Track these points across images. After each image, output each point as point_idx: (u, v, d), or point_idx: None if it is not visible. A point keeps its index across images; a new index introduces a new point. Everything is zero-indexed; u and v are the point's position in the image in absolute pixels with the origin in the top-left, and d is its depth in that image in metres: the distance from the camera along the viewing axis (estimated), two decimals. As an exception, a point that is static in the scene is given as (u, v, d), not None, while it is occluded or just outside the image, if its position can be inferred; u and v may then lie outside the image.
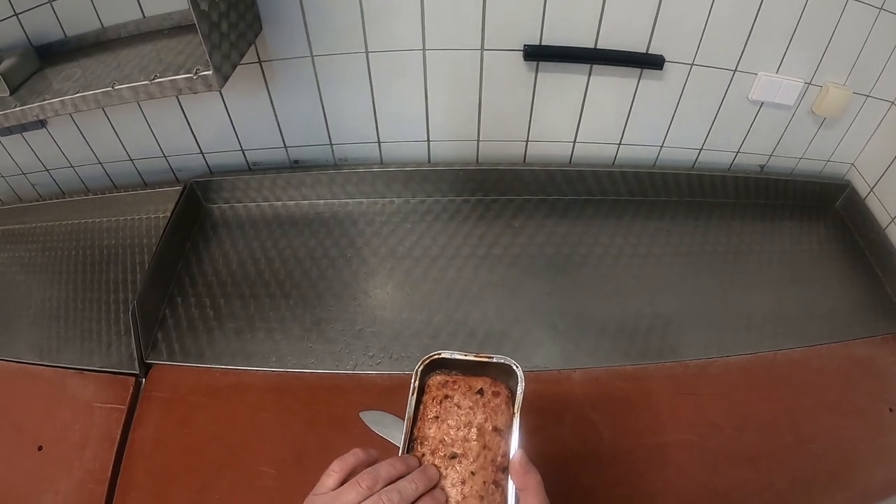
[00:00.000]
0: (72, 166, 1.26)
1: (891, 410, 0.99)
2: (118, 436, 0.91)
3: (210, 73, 0.87)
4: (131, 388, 0.97)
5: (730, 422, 0.94)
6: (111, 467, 0.88)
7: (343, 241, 1.18)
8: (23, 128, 1.18)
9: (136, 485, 0.86)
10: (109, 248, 1.23)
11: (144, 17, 1.01)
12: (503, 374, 0.63)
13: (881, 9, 1.03)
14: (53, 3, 0.99)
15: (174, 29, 1.02)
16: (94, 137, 1.20)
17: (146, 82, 0.89)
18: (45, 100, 0.94)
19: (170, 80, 0.89)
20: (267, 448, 0.89)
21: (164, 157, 1.23)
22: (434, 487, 0.56)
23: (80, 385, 0.99)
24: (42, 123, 1.18)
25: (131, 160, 1.24)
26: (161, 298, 1.09)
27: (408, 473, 0.56)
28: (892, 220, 1.19)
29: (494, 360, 0.63)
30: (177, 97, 1.11)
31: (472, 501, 0.55)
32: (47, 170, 1.27)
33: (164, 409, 0.94)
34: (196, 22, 0.80)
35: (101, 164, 1.25)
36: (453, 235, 1.20)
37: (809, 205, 1.34)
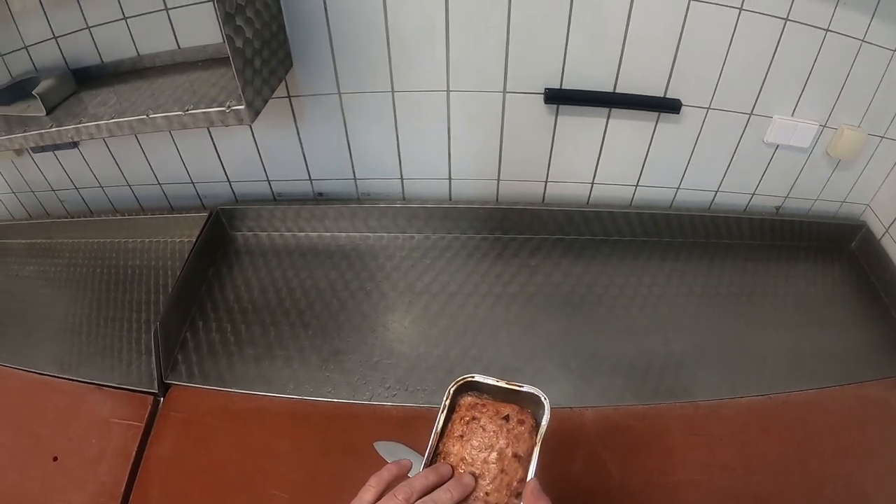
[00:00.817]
0: (101, 186, 1.30)
1: (904, 454, 0.99)
2: (134, 452, 0.93)
3: (242, 107, 0.89)
4: (149, 406, 0.99)
5: (741, 463, 0.94)
6: (125, 483, 0.90)
7: (363, 275, 1.21)
8: (56, 146, 1.22)
9: (150, 501, 0.88)
10: (134, 269, 1.26)
11: (180, 48, 1.04)
12: (531, 404, 0.65)
13: (895, 51, 1.04)
14: (92, 29, 1.03)
15: (208, 61, 1.05)
16: (125, 160, 1.24)
17: (180, 113, 0.92)
18: (80, 122, 0.97)
19: (202, 113, 0.91)
20: (281, 472, 0.91)
21: (192, 183, 1.27)
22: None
23: (99, 400, 1.01)
24: (75, 144, 1.22)
25: (159, 184, 1.28)
26: (183, 321, 1.12)
27: (441, 483, 0.58)
28: (908, 261, 1.20)
29: (525, 390, 0.65)
30: (207, 128, 1.15)
31: None
32: (76, 188, 1.31)
33: (181, 429, 0.96)
34: (231, 58, 0.83)
35: (129, 186, 1.29)
36: (472, 272, 1.22)
37: (825, 246, 1.35)
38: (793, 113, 1.13)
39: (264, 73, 0.94)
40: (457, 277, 1.20)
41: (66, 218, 1.36)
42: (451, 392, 0.66)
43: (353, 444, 0.93)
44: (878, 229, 1.29)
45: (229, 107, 0.90)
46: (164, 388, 1.02)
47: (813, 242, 1.34)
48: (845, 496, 0.93)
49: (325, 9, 0.98)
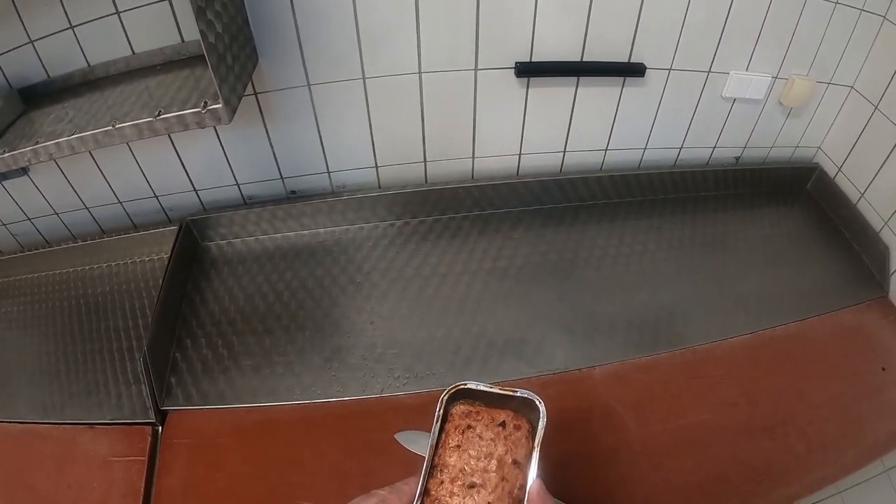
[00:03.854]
0: (56, 213, 1.21)
1: (883, 370, 1.07)
2: (142, 489, 0.87)
3: (220, 106, 0.85)
4: (149, 437, 0.93)
5: (743, 398, 1.00)
6: None
7: (350, 268, 1.19)
8: (3, 176, 1.12)
9: None
10: (104, 296, 1.18)
11: (134, 53, 0.99)
12: (525, 408, 0.64)
13: (837, 3, 1.12)
14: (35, 43, 0.95)
15: (166, 64, 1.00)
16: (80, 182, 1.16)
17: (150, 119, 0.87)
18: (37, 143, 0.90)
19: (176, 116, 0.86)
20: (306, 482, 0.88)
21: (156, 196, 1.20)
22: None
23: (93, 440, 0.94)
24: (24, 171, 1.13)
25: (120, 202, 1.21)
26: (169, 342, 1.06)
27: None
28: (862, 195, 1.28)
29: (518, 395, 0.63)
30: (168, 135, 1.10)
31: None
32: (29, 218, 1.22)
33: (190, 456, 0.91)
34: (206, 54, 0.80)
35: (87, 209, 1.21)
36: (458, 252, 1.22)
37: (783, 190, 1.43)
38: (747, 67, 1.19)
39: (236, 69, 0.90)
40: (445, 258, 1.20)
41: (22, 252, 1.26)
42: (444, 401, 0.64)
43: (374, 440, 0.91)
44: (831, 169, 1.38)
45: (205, 106, 0.86)
46: (162, 415, 0.96)
47: (772, 187, 1.42)
48: (841, 415, 1.00)
49: (291, -1, 0.96)
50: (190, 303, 1.13)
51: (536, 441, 0.61)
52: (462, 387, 0.64)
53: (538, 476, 0.59)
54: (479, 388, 0.64)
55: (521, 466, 0.60)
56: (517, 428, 0.62)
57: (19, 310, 1.20)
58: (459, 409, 0.64)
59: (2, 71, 0.98)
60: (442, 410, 0.63)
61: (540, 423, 0.61)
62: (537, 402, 0.62)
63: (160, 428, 0.95)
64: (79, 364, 1.07)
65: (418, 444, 0.89)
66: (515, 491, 0.58)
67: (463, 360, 1.03)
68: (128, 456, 0.91)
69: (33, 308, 1.20)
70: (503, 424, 0.62)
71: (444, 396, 0.63)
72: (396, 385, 0.99)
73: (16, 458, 0.94)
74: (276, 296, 1.14)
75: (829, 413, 1.00)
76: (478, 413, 0.63)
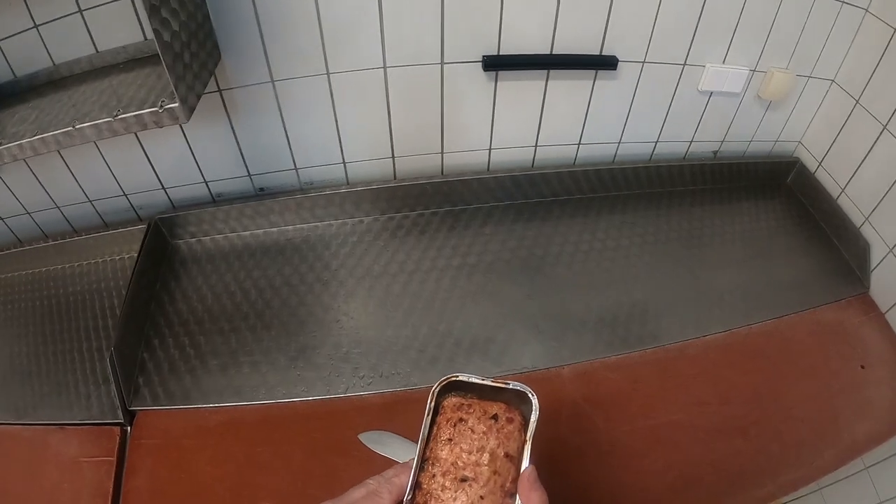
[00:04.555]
0: (27, 213, 1.20)
1: (862, 367, 1.05)
2: (111, 489, 0.86)
3: (176, 105, 0.84)
4: (118, 438, 0.92)
5: (715, 397, 0.99)
6: None
7: (318, 265, 1.17)
8: (-29, 177, 1.12)
9: None
10: (75, 295, 1.17)
11: (98, 51, 0.97)
12: (518, 400, 0.63)
13: (817, -6, 1.10)
14: (0, 43, 0.94)
15: (129, 62, 0.98)
16: (50, 181, 1.15)
17: (109, 119, 0.86)
18: (0, 144, 0.89)
19: (134, 116, 0.85)
20: (269, 482, 0.87)
21: (125, 195, 1.19)
22: None
23: (63, 441, 0.93)
24: (-8, 171, 1.13)
25: (90, 201, 1.20)
26: (137, 342, 1.05)
27: None
28: (843, 191, 1.26)
29: (511, 387, 0.63)
30: (135, 133, 1.09)
31: None
32: (2, 218, 1.21)
33: (156, 456, 0.91)
34: (160, 53, 0.78)
35: (58, 207, 1.20)
36: (427, 248, 1.20)
37: (763, 184, 1.41)
38: (724, 60, 1.17)
39: (194, 68, 0.89)
40: (413, 255, 1.19)
41: None
42: (436, 393, 0.63)
43: (337, 440, 0.91)
44: (811, 164, 1.36)
45: (162, 106, 0.85)
46: (130, 415, 0.95)
47: (751, 182, 1.41)
48: (816, 414, 0.98)
49: (251, -7, 0.94)
50: (158, 302, 1.12)
51: (529, 434, 0.61)
52: (453, 379, 0.63)
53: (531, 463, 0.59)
54: (470, 380, 0.63)
55: (513, 460, 0.59)
56: (510, 421, 0.61)
57: (-9, 311, 1.19)
58: (451, 401, 0.63)
59: (-33, 71, 0.97)
60: (433, 403, 0.62)
61: (533, 416, 0.61)
62: (530, 395, 0.62)
63: (129, 428, 0.94)
64: (50, 364, 1.06)
65: (381, 443, 0.89)
66: (507, 484, 0.58)
67: (429, 360, 1.01)
68: (97, 456, 0.91)
69: (4, 308, 1.19)
70: (495, 417, 0.61)
71: (436, 389, 0.63)
72: (361, 385, 0.98)
73: (-13, 461, 0.94)
74: (244, 294, 1.13)
75: (804, 413, 0.98)
76: (470, 406, 0.62)
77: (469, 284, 1.14)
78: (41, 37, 0.95)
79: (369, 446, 0.88)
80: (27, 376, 1.05)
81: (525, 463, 0.59)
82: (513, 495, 0.58)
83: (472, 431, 0.60)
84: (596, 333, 1.06)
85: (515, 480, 0.58)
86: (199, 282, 1.16)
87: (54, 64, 0.99)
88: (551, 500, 0.56)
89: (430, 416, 0.62)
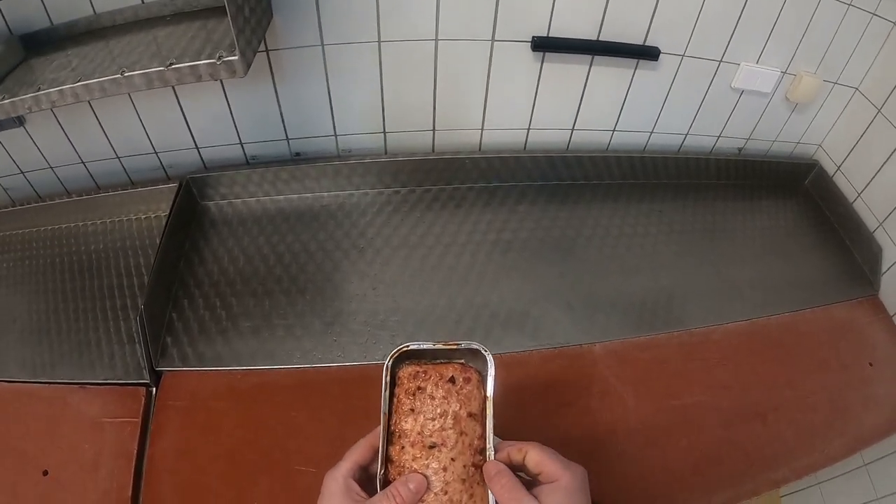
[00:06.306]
0: (51, 167, 1.17)
1: (871, 365, 1.10)
2: (135, 451, 0.85)
3: (236, 58, 0.83)
4: (143, 398, 0.90)
5: (737, 382, 1.02)
6: (131, 485, 0.82)
7: (353, 233, 1.17)
8: (-1, 126, 1.08)
9: (163, 500, 0.82)
10: (98, 253, 1.14)
11: (143, 2, 0.95)
12: (472, 358, 0.63)
13: (850, 5, 1.14)
14: (39, -12, 0.91)
15: (177, 15, 0.97)
16: (78, 135, 1.12)
17: (162, 68, 0.83)
18: (39, 90, 0.86)
19: (189, 66, 0.84)
20: (303, 447, 0.86)
21: (155, 153, 1.17)
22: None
23: (84, 400, 0.91)
24: (20, 121, 1.09)
25: (118, 158, 1.17)
26: (165, 302, 1.03)
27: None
28: (859, 195, 1.31)
29: (462, 347, 0.63)
30: (173, 88, 1.06)
31: (455, 486, 0.57)
32: (22, 172, 1.18)
33: (184, 418, 0.89)
34: (226, 3, 0.77)
35: (84, 163, 1.17)
36: (462, 222, 1.21)
37: (782, 184, 1.45)
38: (758, 60, 1.20)
39: (252, 22, 0.88)
40: (449, 228, 1.20)
41: (13, 207, 1.21)
42: (389, 367, 0.62)
43: (375, 407, 0.89)
44: (830, 167, 1.41)
45: (220, 58, 0.84)
46: (157, 376, 0.93)
47: (772, 181, 1.44)
48: (829, 406, 1.02)
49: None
50: (188, 262, 1.11)
51: (489, 390, 0.61)
52: (405, 349, 0.63)
53: (493, 429, 0.60)
54: (422, 347, 0.63)
55: (476, 418, 0.60)
56: (467, 381, 0.61)
57: (10, 266, 1.16)
58: (407, 371, 0.62)
59: (2, 15, 0.93)
60: (388, 377, 0.62)
61: (489, 371, 0.61)
62: (482, 351, 0.62)
63: (154, 389, 0.93)
64: (71, 322, 1.03)
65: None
66: (476, 442, 0.59)
67: (465, 331, 1.02)
68: (120, 417, 0.89)
69: (24, 265, 1.15)
70: (452, 380, 0.61)
71: (388, 362, 0.62)
72: (399, 352, 0.99)
73: (4, 420, 0.91)
74: (277, 258, 1.12)
75: (817, 403, 1.02)
76: (426, 372, 0.62)
77: (504, 260, 1.15)
78: (84, -18, 0.92)
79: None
80: (46, 334, 1.02)
81: (490, 420, 0.60)
82: (482, 451, 0.59)
83: (432, 398, 0.60)
84: (624, 315, 1.09)
85: (483, 437, 0.60)
86: (231, 244, 1.15)
87: (95, 13, 0.96)
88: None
89: (388, 390, 0.62)
